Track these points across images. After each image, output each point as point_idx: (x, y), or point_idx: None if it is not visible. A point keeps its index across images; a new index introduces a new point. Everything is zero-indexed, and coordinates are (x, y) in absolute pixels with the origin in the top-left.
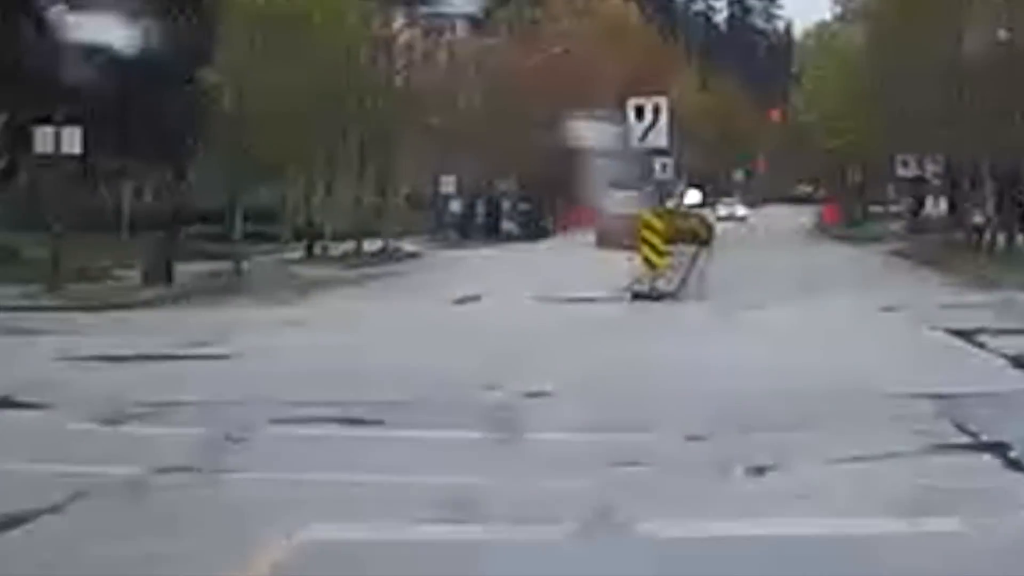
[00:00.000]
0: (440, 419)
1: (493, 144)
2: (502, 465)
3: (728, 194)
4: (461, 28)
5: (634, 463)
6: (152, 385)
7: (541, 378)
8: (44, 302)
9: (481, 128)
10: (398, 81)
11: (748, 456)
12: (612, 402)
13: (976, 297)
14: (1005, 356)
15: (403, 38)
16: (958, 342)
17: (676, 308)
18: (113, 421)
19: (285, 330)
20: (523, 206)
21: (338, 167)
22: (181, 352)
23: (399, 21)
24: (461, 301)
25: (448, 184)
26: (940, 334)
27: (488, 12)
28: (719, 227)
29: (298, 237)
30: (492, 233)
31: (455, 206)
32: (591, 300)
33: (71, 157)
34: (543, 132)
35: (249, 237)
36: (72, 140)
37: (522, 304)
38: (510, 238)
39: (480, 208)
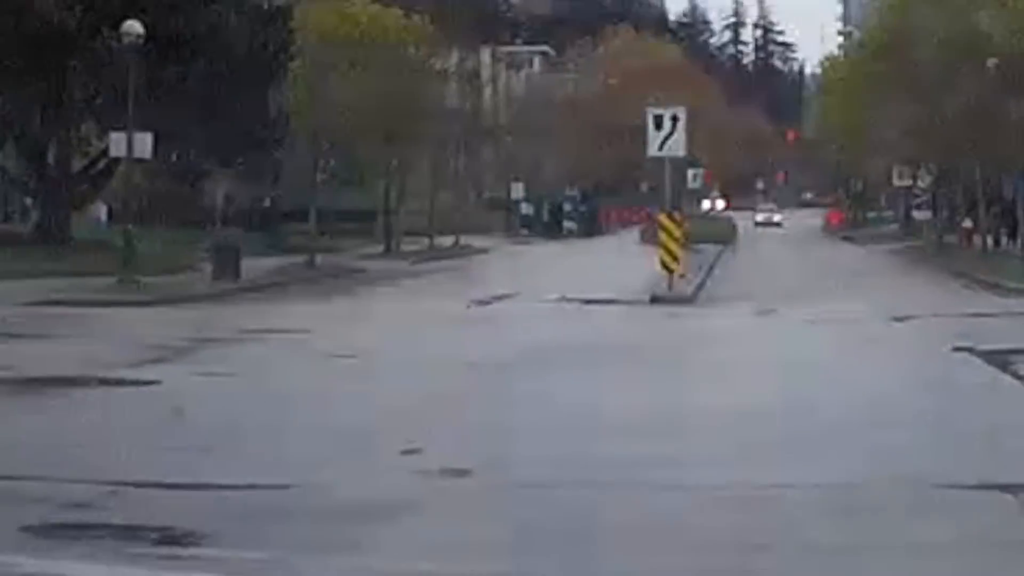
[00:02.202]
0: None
1: (559, 157)
2: None
3: (754, 201)
4: (536, 63)
5: None
6: None
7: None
8: (105, 296)
9: (549, 144)
10: (480, 106)
11: None
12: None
13: (985, 301)
14: None
15: (487, 71)
16: (991, 370)
17: (685, 318)
18: None
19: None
20: (581, 208)
21: (413, 174)
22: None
23: (486, 56)
24: (485, 302)
25: (518, 190)
26: (969, 359)
27: (559, 50)
28: (757, 231)
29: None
30: (555, 231)
31: (524, 208)
32: (609, 303)
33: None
34: (601, 148)
35: (342, 234)
36: (144, 145)
37: (540, 310)
38: (570, 235)
39: (545, 210)
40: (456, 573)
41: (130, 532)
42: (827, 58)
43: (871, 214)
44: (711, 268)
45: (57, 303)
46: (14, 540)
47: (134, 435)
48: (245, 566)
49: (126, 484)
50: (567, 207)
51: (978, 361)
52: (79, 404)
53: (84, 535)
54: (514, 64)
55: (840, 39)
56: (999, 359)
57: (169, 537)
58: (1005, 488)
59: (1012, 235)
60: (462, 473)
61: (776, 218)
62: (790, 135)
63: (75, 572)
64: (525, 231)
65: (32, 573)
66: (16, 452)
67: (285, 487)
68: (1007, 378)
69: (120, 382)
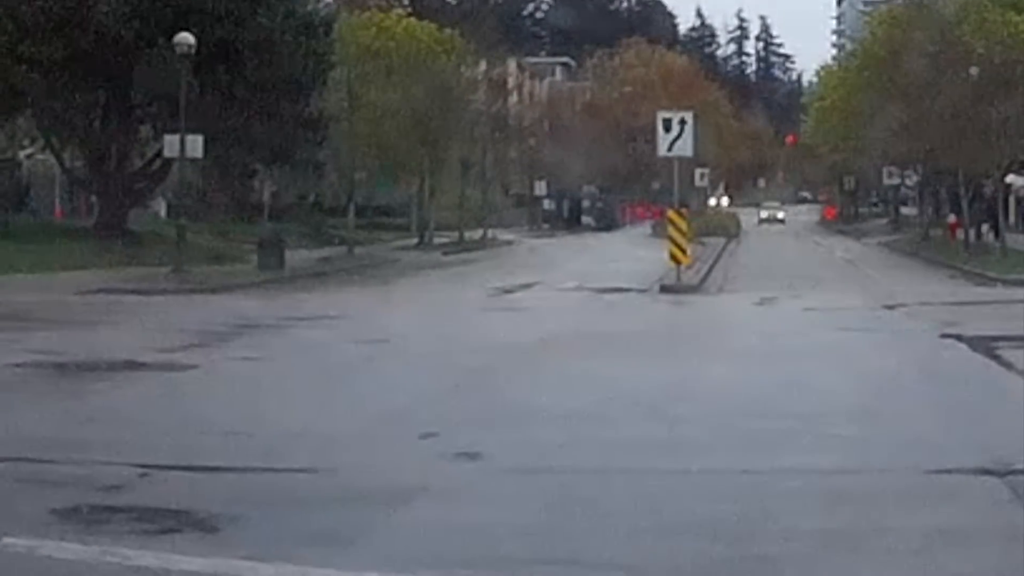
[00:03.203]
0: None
1: (578, 157)
2: None
3: (756, 199)
4: (558, 72)
5: None
6: None
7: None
8: (157, 285)
9: (569, 145)
10: (506, 111)
11: None
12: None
13: (968, 290)
14: None
15: (513, 80)
16: (979, 357)
17: (692, 306)
18: None
19: (287, 332)
20: (599, 204)
21: (443, 173)
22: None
23: (512, 66)
24: (509, 291)
25: (541, 187)
26: (955, 345)
27: (578, 61)
28: (763, 226)
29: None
30: (574, 225)
31: (546, 204)
32: (622, 291)
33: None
34: (616, 149)
35: (379, 228)
36: (195, 145)
37: (559, 298)
38: (588, 229)
39: (566, 206)
40: (463, 555)
41: (158, 515)
42: (823, 67)
43: (863, 210)
44: (717, 260)
45: (112, 291)
46: (42, 522)
47: (169, 418)
48: (268, 549)
49: (157, 467)
50: (585, 203)
51: (964, 347)
52: (119, 388)
53: (113, 518)
54: (538, 73)
55: (834, 50)
56: (984, 345)
57: (195, 520)
58: (995, 473)
59: (995, 230)
60: (475, 457)
61: (780, 215)
62: (789, 138)
63: (100, 555)
64: (547, 225)
65: (57, 556)
66: (52, 435)
67: (307, 471)
68: (992, 363)
69: (161, 366)
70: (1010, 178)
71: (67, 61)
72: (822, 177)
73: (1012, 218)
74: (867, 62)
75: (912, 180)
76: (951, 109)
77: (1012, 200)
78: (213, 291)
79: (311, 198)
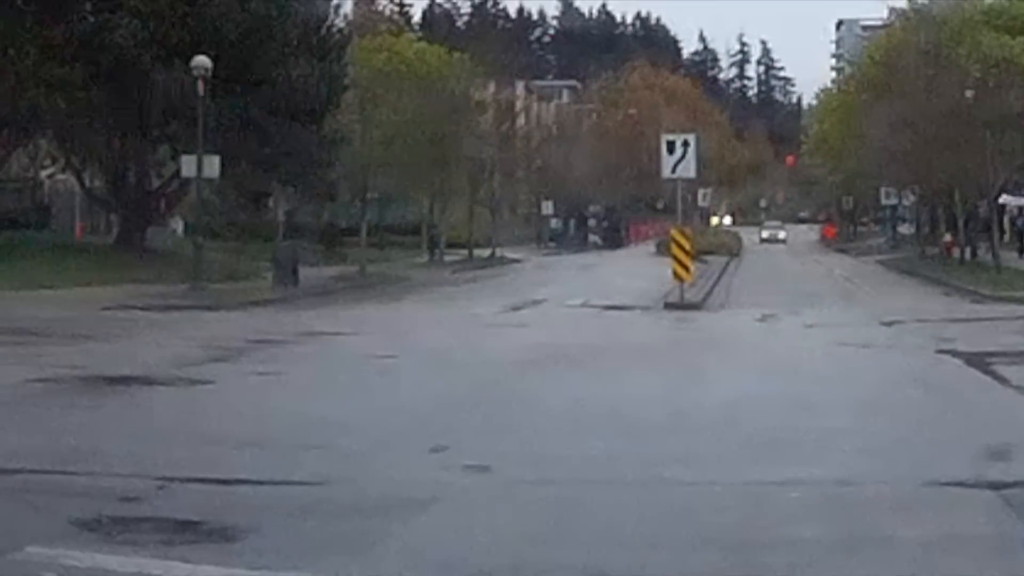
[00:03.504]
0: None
1: (584, 177)
2: None
3: (757, 218)
4: (565, 95)
5: None
6: None
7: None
8: (175, 301)
9: (575, 166)
10: (514, 133)
11: None
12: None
13: (963, 307)
14: None
15: (521, 102)
16: (974, 372)
17: (694, 323)
18: None
19: (300, 347)
20: (604, 223)
21: (452, 192)
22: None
23: (520, 89)
24: (517, 307)
25: (548, 206)
26: (951, 360)
27: (584, 84)
28: (764, 247)
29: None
30: (581, 243)
31: (554, 223)
32: (627, 308)
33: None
34: (622, 169)
35: (391, 245)
36: (212, 166)
37: (566, 315)
38: (594, 247)
39: (572, 224)
40: (475, 564)
41: (176, 526)
42: (822, 90)
43: (861, 229)
44: (719, 277)
45: (131, 307)
46: (63, 532)
47: (186, 431)
48: (282, 559)
49: (174, 479)
50: (591, 222)
51: (959, 362)
52: (136, 401)
53: (131, 528)
54: (545, 96)
55: (833, 74)
56: (978, 360)
57: (212, 531)
58: (990, 485)
59: (992, 250)
60: (485, 469)
61: (781, 235)
62: (789, 159)
63: (119, 565)
64: (554, 244)
65: (77, 565)
66: (72, 447)
67: (320, 483)
68: (987, 379)
69: (178, 380)
70: (1003, 198)
71: (87, 83)
72: (821, 197)
73: (1007, 236)
74: (865, 85)
75: (909, 200)
76: (947, 130)
77: (1006, 220)
78: (229, 307)
79: (325, 217)
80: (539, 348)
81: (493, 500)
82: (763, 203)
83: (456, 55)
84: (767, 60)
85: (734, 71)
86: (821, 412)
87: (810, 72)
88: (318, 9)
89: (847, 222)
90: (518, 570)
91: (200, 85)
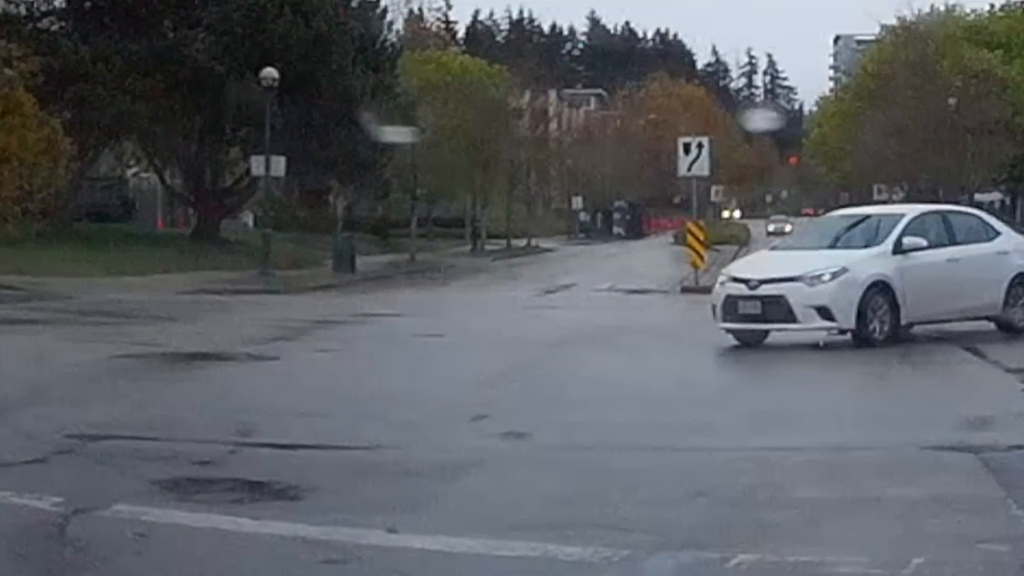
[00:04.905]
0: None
1: (610, 175)
2: None
3: (764, 212)
4: (592, 102)
5: None
6: None
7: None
8: (245, 286)
9: (602, 165)
10: (547, 136)
11: None
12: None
13: None
14: (1009, 370)
15: (553, 109)
16: (960, 352)
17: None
18: None
19: (356, 327)
20: (628, 216)
21: (493, 189)
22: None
23: (552, 97)
24: (550, 291)
25: (577, 201)
26: (939, 341)
27: (610, 92)
28: (770, 238)
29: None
30: (607, 234)
31: (582, 216)
32: (648, 292)
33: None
34: (643, 168)
35: (438, 236)
36: (278, 166)
37: (593, 297)
38: (619, 238)
39: (599, 217)
40: (513, 519)
41: (245, 486)
42: (821, 98)
43: None
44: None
45: (206, 292)
46: (145, 492)
47: (253, 402)
48: (344, 515)
49: (244, 445)
50: (616, 215)
51: (947, 344)
52: (210, 375)
53: (205, 489)
54: (575, 103)
55: (831, 83)
56: (963, 341)
57: (279, 491)
58: (970, 449)
59: None
60: (522, 436)
61: (787, 228)
62: (792, 159)
63: (195, 521)
64: (583, 235)
65: (158, 522)
66: (152, 416)
67: (375, 448)
68: (971, 356)
69: (247, 357)
70: (979, 195)
71: (167, 92)
72: (821, 193)
73: None
74: (859, 94)
75: (899, 195)
76: (932, 135)
77: None
78: (293, 292)
79: (379, 211)
80: (569, 328)
81: (529, 464)
82: (769, 199)
83: (495, 67)
84: (773, 71)
85: (743, 81)
86: (821, 387)
87: (811, 82)
88: (373, 26)
89: None
90: (552, 525)
91: (268, 94)
